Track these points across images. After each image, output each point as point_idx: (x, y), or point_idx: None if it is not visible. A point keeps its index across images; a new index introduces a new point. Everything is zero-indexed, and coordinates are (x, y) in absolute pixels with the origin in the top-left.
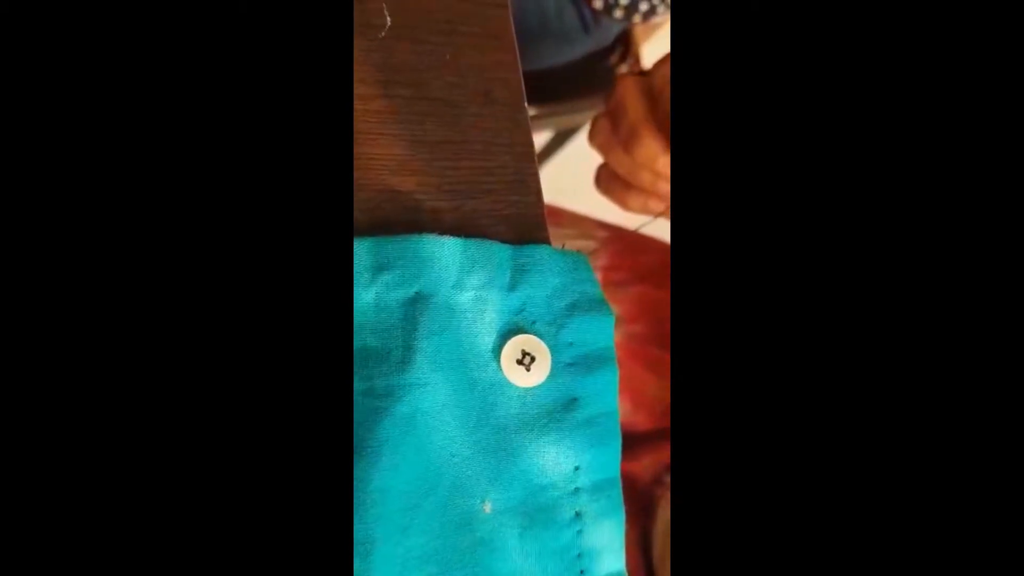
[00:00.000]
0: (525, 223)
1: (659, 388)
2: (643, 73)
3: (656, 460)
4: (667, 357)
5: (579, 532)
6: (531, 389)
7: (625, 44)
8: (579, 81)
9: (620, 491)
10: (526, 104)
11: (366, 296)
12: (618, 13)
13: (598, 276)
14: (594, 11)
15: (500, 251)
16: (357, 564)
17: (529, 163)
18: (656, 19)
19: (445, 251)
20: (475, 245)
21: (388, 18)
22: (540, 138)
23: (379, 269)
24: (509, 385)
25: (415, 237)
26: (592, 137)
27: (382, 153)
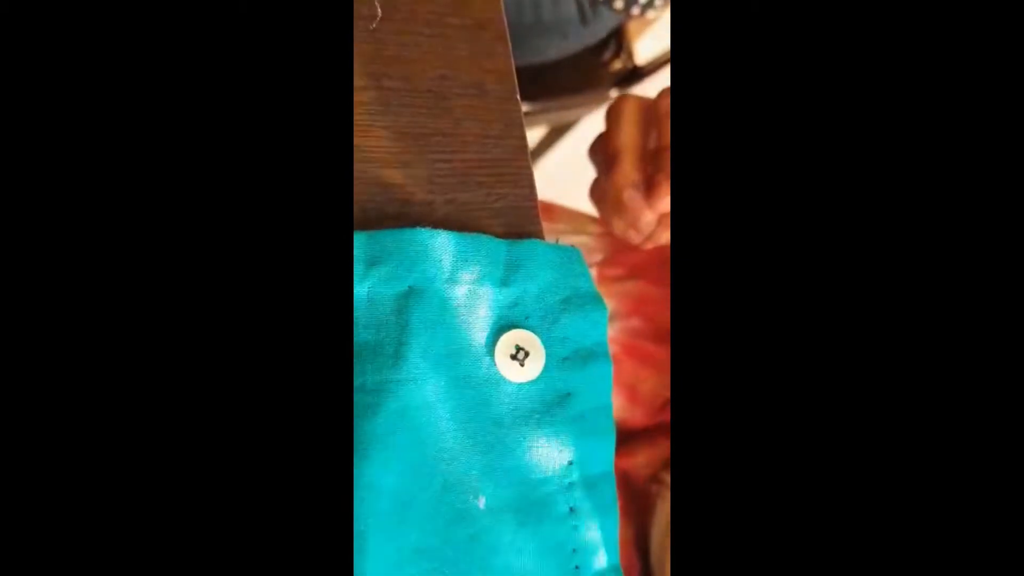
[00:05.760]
0: (518, 216)
1: (656, 383)
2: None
3: (653, 457)
4: (663, 352)
5: (574, 527)
6: (524, 384)
7: (619, 40)
8: (573, 77)
9: (614, 486)
10: (518, 96)
11: (359, 290)
12: (618, 4)
13: (593, 272)
14: (593, 0)
15: (494, 245)
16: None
17: (521, 156)
18: (652, 13)
19: (438, 245)
20: (468, 239)
21: (379, 10)
22: (535, 134)
23: (372, 263)
24: (503, 380)
25: (408, 230)
26: (591, 152)
27: (373, 146)
